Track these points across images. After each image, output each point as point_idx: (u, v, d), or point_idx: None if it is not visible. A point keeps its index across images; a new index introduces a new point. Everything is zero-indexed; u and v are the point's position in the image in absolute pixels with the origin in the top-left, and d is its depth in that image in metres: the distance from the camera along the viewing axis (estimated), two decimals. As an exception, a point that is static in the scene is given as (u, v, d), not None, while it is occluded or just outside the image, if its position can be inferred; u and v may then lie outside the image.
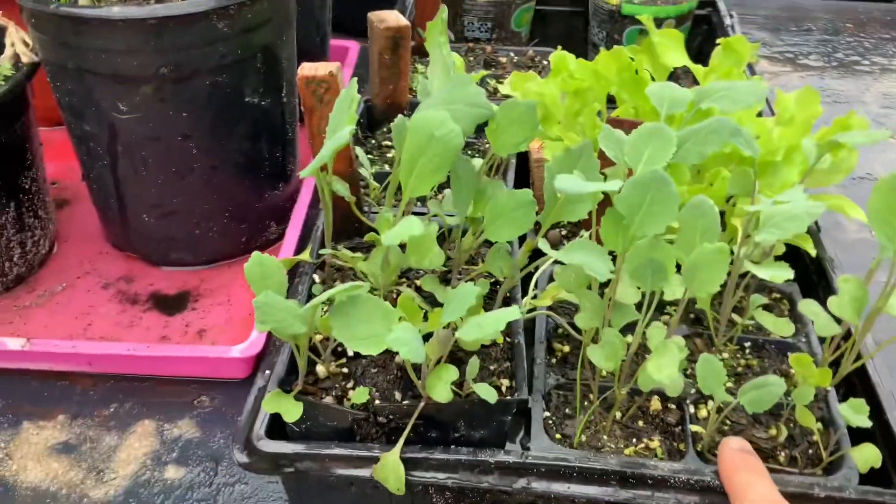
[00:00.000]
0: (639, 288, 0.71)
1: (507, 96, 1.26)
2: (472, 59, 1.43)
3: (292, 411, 0.69)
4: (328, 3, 1.44)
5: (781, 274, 0.69)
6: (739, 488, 0.64)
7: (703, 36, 1.64)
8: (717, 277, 0.71)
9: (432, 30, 0.82)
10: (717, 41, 1.11)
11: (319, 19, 1.41)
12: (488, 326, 0.62)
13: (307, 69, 0.82)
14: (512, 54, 1.44)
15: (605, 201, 0.74)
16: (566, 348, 0.86)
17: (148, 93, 0.97)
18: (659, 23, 1.45)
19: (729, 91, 0.82)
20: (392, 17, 1.09)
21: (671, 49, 1.10)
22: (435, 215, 0.84)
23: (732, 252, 0.80)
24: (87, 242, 1.20)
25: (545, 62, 1.43)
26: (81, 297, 1.10)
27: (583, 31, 1.67)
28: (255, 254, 0.70)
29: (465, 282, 0.84)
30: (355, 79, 0.77)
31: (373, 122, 1.18)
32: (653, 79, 1.13)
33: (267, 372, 0.75)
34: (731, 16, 1.61)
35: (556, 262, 0.82)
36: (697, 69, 1.11)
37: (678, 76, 1.43)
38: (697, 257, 0.70)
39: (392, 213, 0.76)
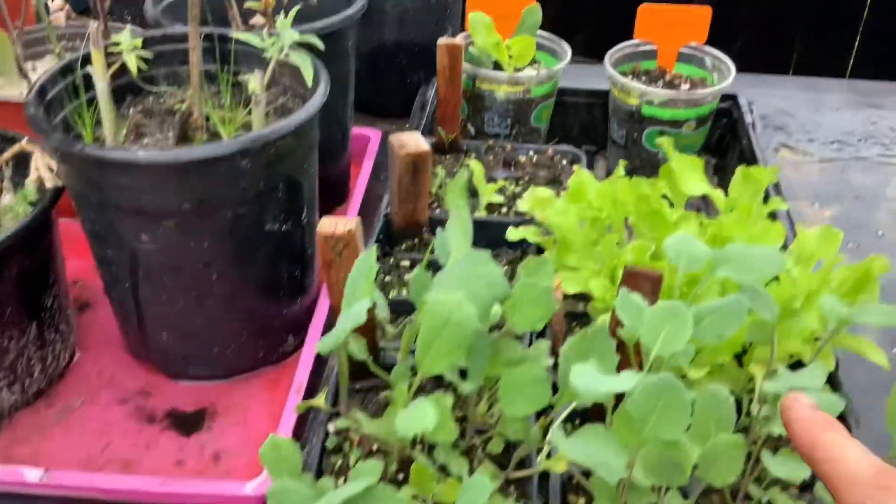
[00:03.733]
0: (654, 477, 0.71)
1: (523, 214, 1.26)
2: (491, 157, 1.44)
3: None
4: (350, 102, 1.45)
5: (798, 473, 0.69)
6: (831, 448, 0.53)
7: (724, 129, 1.64)
8: (733, 468, 0.70)
9: (453, 190, 0.82)
10: (738, 168, 1.11)
11: (342, 119, 1.43)
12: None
13: (326, 226, 0.83)
14: (531, 152, 1.45)
15: (623, 361, 0.74)
16: (581, 501, 0.85)
17: (170, 226, 0.98)
18: (679, 124, 1.45)
19: (746, 259, 0.81)
20: (412, 142, 1.10)
21: (690, 177, 1.11)
22: (450, 383, 0.84)
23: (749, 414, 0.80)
24: (107, 350, 1.22)
25: (564, 162, 1.44)
26: (99, 415, 1.12)
27: (602, 122, 1.67)
28: (271, 437, 0.71)
29: (480, 445, 0.84)
30: (374, 248, 0.77)
31: (392, 238, 1.19)
32: (671, 205, 1.13)
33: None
34: (752, 111, 1.61)
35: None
36: (718, 198, 1.11)
37: (697, 206, 1.43)
38: (712, 449, 0.70)
39: (406, 383, 0.77)
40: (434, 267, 0.81)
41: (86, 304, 1.30)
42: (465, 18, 1.51)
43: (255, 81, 0.99)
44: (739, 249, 0.83)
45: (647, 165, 1.50)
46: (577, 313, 1.11)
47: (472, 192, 1.35)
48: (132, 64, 0.99)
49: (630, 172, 1.16)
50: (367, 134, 1.65)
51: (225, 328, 1.10)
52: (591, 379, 0.67)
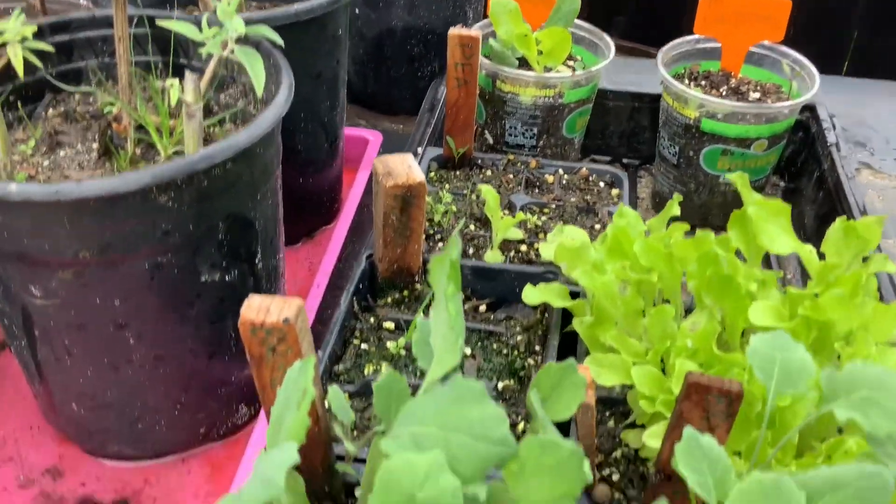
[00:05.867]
0: None
1: (547, 263, 0.99)
2: (511, 175, 1.16)
3: None
4: (341, 101, 1.18)
5: None
6: None
7: (797, 145, 1.35)
8: None
9: (437, 268, 0.55)
10: (837, 223, 0.83)
11: (329, 123, 1.16)
12: None
13: (252, 311, 0.57)
14: (561, 171, 1.17)
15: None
16: None
17: (67, 278, 0.73)
18: (748, 143, 1.16)
19: (879, 391, 0.54)
20: (402, 170, 0.83)
21: (773, 229, 0.82)
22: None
23: None
24: (16, 410, 0.97)
25: (601, 184, 1.16)
26: (-8, 502, 0.87)
27: (650, 130, 1.39)
28: None
29: None
30: (312, 359, 0.51)
31: (375, 288, 0.93)
32: (744, 259, 0.85)
33: None
34: (834, 126, 1.31)
35: None
36: (810, 258, 0.83)
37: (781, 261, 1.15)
38: None
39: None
40: (412, 358, 0.55)
41: (3, 345, 1.06)
42: (488, 1, 1.23)
43: (187, 87, 0.72)
44: (869, 373, 0.55)
45: (705, 191, 1.22)
46: (611, 399, 0.84)
47: (484, 223, 1.08)
48: (18, 60, 0.73)
49: (685, 197, 0.88)
50: (365, 136, 1.38)
51: (150, 399, 0.85)
52: None
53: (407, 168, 0.84)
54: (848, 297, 0.73)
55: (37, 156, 0.87)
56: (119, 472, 0.91)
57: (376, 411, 0.59)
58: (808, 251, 0.83)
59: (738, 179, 0.86)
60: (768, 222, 0.83)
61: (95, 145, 0.87)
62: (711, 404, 0.61)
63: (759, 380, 0.59)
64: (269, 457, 0.50)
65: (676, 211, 0.87)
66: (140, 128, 0.86)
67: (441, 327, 0.55)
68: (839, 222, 0.82)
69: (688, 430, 0.54)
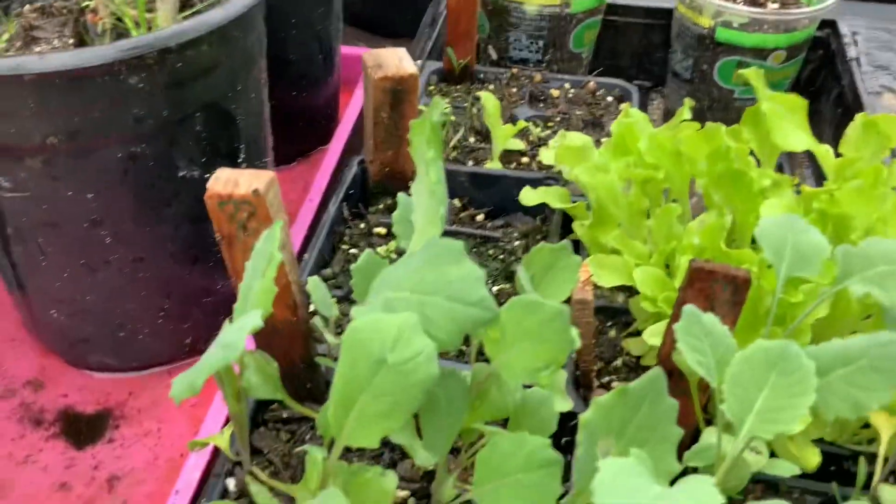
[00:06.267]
0: None
1: (548, 167, 0.94)
2: (514, 89, 1.11)
3: None
4: (336, 10, 1.13)
5: None
6: None
7: (816, 63, 1.28)
8: None
9: (417, 133, 0.51)
10: (856, 116, 0.78)
11: (322, 31, 1.10)
12: None
13: (220, 183, 0.53)
14: (567, 85, 1.12)
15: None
16: None
17: (35, 167, 0.69)
18: (766, 54, 1.10)
19: (900, 265, 0.49)
20: (392, 62, 0.78)
21: (788, 125, 0.77)
22: (400, 448, 0.54)
23: None
24: (1, 319, 0.94)
25: (609, 98, 1.10)
26: (-28, 411, 0.85)
27: (662, 49, 1.32)
28: None
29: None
30: (280, 222, 0.47)
31: (367, 194, 0.88)
32: (758, 162, 0.80)
33: None
34: (856, 42, 1.25)
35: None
36: (826, 156, 0.77)
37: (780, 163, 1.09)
38: None
39: (322, 454, 0.47)
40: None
41: (-15, 259, 1.02)
42: None
43: (159, -40, 0.67)
44: (887, 248, 0.51)
45: (719, 108, 1.16)
46: (613, 309, 0.80)
47: (485, 136, 1.02)
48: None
49: (697, 115, 0.83)
50: (362, 54, 1.32)
51: (131, 306, 0.81)
52: (628, 488, 0.36)
53: (398, 60, 0.78)
54: (867, 189, 0.68)
55: (11, 50, 0.82)
56: (102, 383, 0.88)
57: (355, 294, 0.55)
58: (824, 150, 0.78)
59: (753, 75, 0.81)
60: (783, 119, 0.77)
61: (72, 40, 0.82)
62: (716, 292, 0.57)
63: (769, 260, 0.55)
64: (231, 325, 0.46)
65: (688, 115, 0.81)
66: (119, 21, 0.82)
67: (422, 199, 0.51)
68: (859, 118, 0.77)
69: (688, 308, 0.49)
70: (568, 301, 0.57)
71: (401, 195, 0.57)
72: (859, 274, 0.49)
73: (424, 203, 0.50)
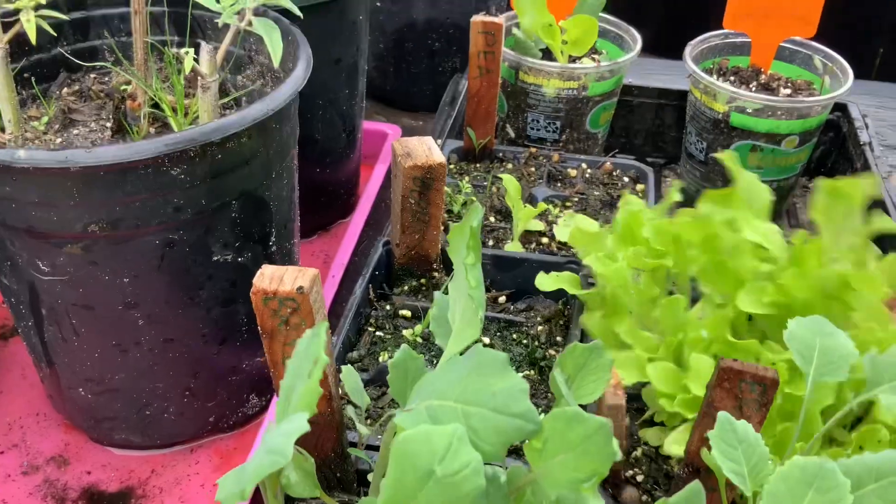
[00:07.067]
0: None
1: (567, 248, 0.96)
2: (532, 168, 1.14)
3: None
4: (360, 90, 1.16)
5: None
6: None
7: (827, 145, 1.31)
8: None
9: (457, 237, 0.53)
10: (819, 183, 0.81)
11: (347, 111, 1.13)
12: None
13: (266, 279, 0.54)
14: (584, 165, 1.14)
15: None
16: None
17: (75, 253, 0.71)
18: (779, 139, 1.13)
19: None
20: (422, 151, 0.81)
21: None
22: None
23: None
24: (25, 395, 0.95)
25: (626, 179, 1.13)
26: (-5, 488, 0.85)
27: (676, 129, 1.36)
28: None
29: None
30: (324, 324, 0.48)
31: (392, 276, 0.90)
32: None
33: None
34: (867, 125, 1.28)
35: None
36: (776, 244, 0.79)
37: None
38: None
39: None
40: (429, 347, 0.52)
41: (13, 331, 1.04)
42: (511, -6, 1.20)
43: (203, 58, 0.70)
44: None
45: (731, 189, 1.18)
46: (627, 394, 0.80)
47: (505, 215, 1.05)
48: (31, 27, 0.72)
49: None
50: (384, 130, 1.36)
51: (159, 385, 0.82)
52: None
53: (427, 149, 0.81)
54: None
55: (49, 133, 0.85)
56: (125, 460, 0.88)
57: (391, 391, 0.56)
58: (778, 243, 0.79)
59: (727, 157, 0.84)
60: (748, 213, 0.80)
61: (109, 123, 0.85)
62: (745, 392, 0.58)
63: (798, 365, 0.56)
64: (277, 428, 0.47)
65: (677, 197, 0.84)
66: (155, 106, 0.84)
67: (460, 300, 0.52)
68: (822, 185, 0.80)
69: (722, 415, 0.50)
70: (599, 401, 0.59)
71: (437, 295, 0.58)
72: (888, 383, 0.50)
73: (462, 304, 0.52)
